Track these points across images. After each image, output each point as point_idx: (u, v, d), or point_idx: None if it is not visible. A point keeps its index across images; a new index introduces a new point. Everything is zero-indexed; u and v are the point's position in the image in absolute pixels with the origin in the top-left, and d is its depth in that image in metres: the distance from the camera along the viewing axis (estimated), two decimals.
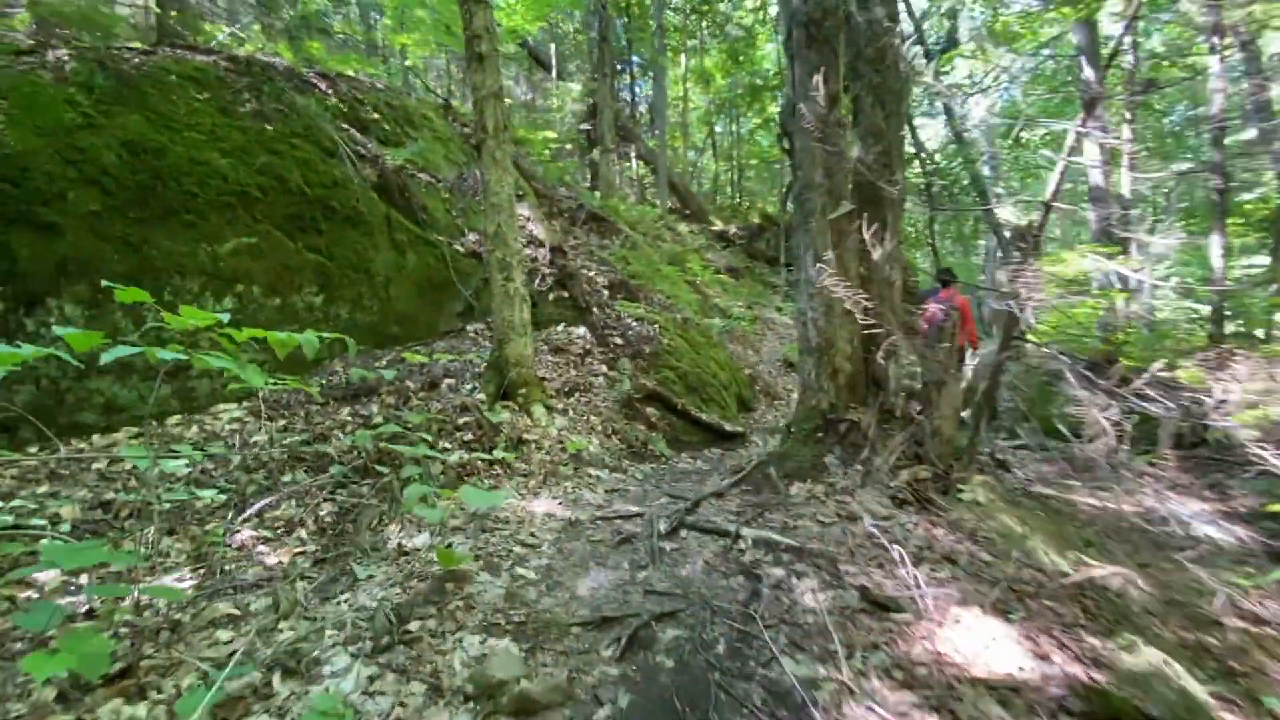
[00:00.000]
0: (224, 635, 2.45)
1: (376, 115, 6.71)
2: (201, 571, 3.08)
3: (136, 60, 4.84)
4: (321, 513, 3.69)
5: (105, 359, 2.03)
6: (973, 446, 3.44)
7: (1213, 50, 7.17)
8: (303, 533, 3.51)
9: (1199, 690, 1.92)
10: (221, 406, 4.43)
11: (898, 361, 4.20)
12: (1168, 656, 1.94)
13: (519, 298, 5.13)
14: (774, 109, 21.25)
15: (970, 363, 6.42)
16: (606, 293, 7.60)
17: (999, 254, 18.11)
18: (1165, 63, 14.33)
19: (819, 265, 3.44)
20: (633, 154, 18.23)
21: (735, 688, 2.16)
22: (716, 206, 20.12)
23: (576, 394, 5.68)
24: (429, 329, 5.96)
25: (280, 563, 3.17)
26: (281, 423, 4.40)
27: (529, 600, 2.72)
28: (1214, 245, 7.28)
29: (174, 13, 6.39)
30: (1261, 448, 2.39)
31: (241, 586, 2.89)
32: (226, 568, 3.10)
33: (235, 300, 4.53)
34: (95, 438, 4.02)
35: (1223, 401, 2.49)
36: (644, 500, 4.10)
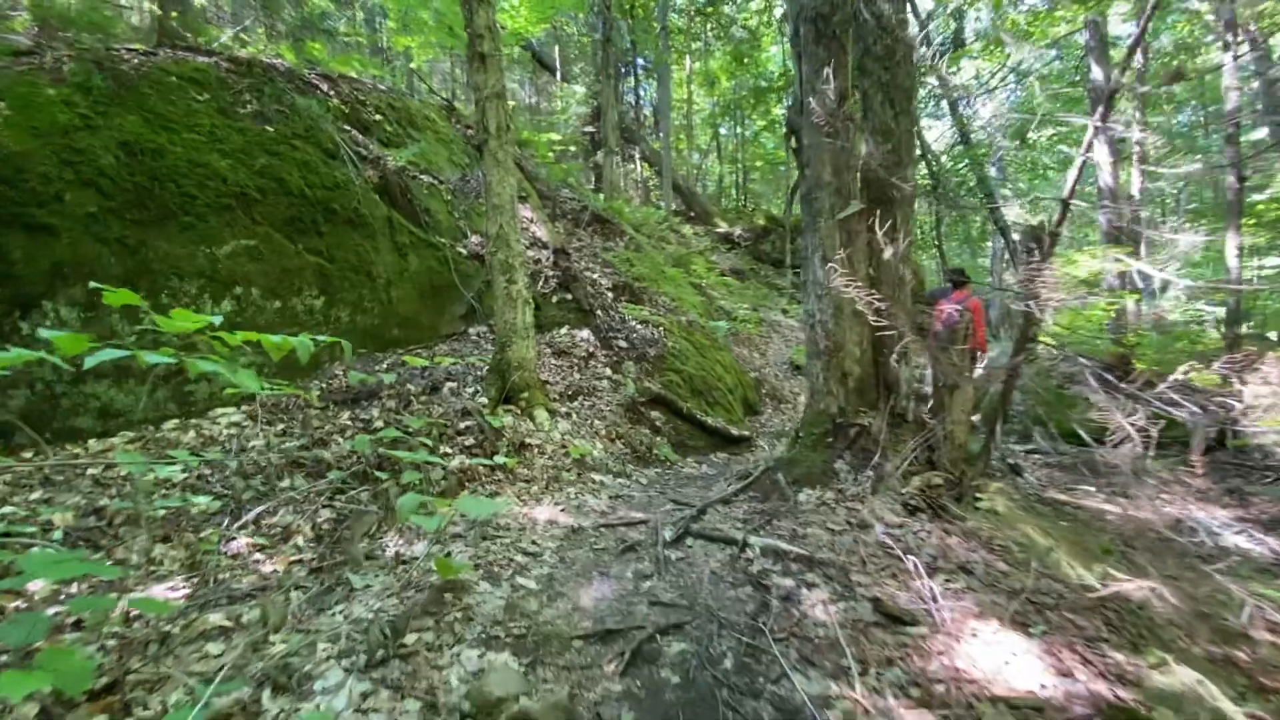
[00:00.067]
0: (214, 648, 2.37)
1: (379, 117, 6.66)
2: (195, 580, 3.00)
3: (136, 61, 4.79)
4: (319, 519, 3.61)
5: (89, 362, 1.96)
6: (986, 452, 3.34)
7: (1226, 47, 7.06)
8: (299, 540, 3.43)
9: (1235, 712, 1.81)
10: (220, 411, 4.37)
11: (907, 364, 4.10)
12: (1201, 676, 1.84)
13: (521, 300, 5.05)
14: (779, 111, 21.17)
15: (977, 368, 6.30)
16: (610, 295, 7.52)
17: (1006, 256, 17.96)
18: (1174, 62, 14.20)
19: (829, 265, 3.35)
20: (637, 156, 18.18)
21: (744, 706, 2.06)
22: (721, 209, 20.04)
23: (580, 398, 5.60)
24: (431, 332, 5.89)
25: (276, 571, 3.09)
26: (280, 427, 4.33)
27: (530, 611, 2.64)
28: (1230, 245, 7.15)
29: (175, 14, 6.35)
30: None
31: (235, 596, 2.80)
32: (220, 577, 3.02)
33: (234, 303, 4.46)
34: (91, 442, 3.96)
35: (1251, 406, 2.39)
36: (648, 506, 4.01)
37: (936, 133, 21.41)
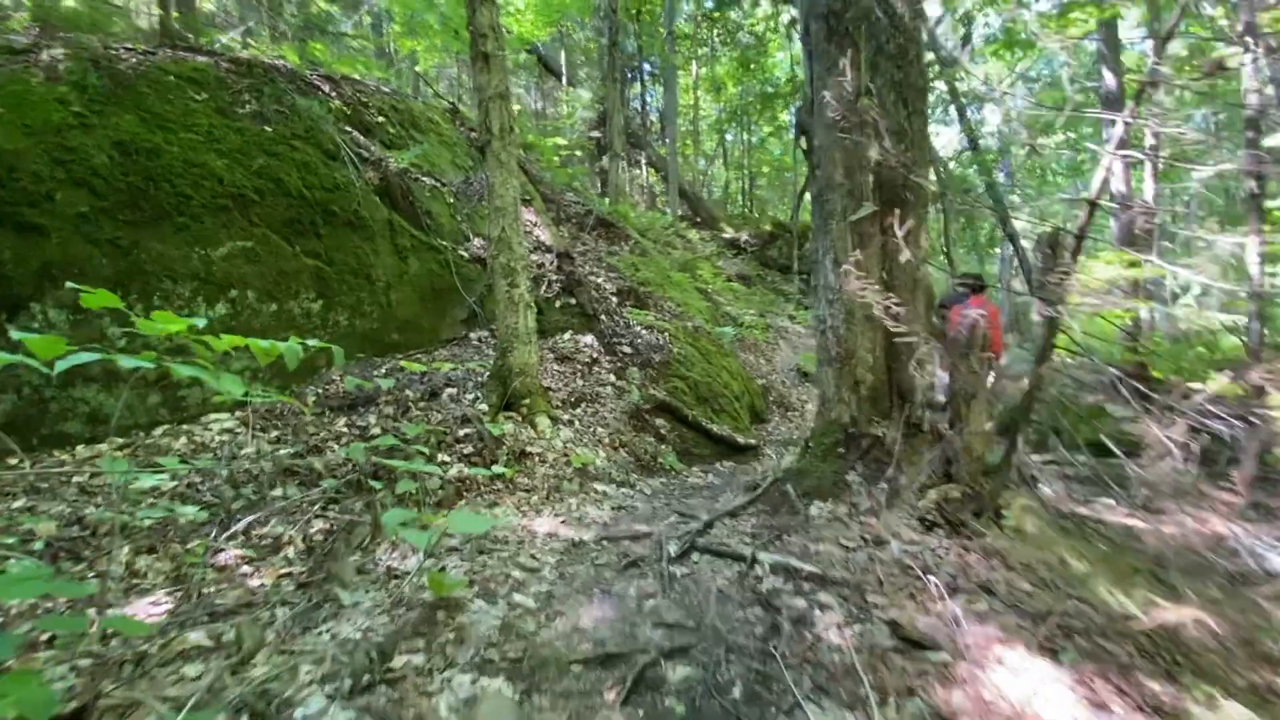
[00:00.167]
0: (192, 670, 2.23)
1: (381, 118, 6.57)
2: (179, 594, 2.88)
3: (134, 60, 4.71)
4: (311, 530, 3.49)
5: (60, 367, 1.84)
6: (1007, 465, 3.18)
7: (1246, 50, 6.90)
8: (290, 552, 3.30)
9: None
10: (213, 416, 4.26)
11: (922, 372, 3.96)
12: (1252, 714, 1.68)
13: (524, 304, 4.93)
14: (785, 117, 21.08)
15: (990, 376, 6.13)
16: (615, 300, 7.40)
17: (1016, 262, 17.78)
18: (1185, 69, 14.03)
19: (844, 269, 3.21)
20: (643, 161, 18.10)
21: None
22: (727, 214, 19.93)
23: (583, 404, 5.47)
24: (431, 336, 5.78)
25: (263, 585, 2.96)
26: (274, 434, 4.22)
27: (527, 632, 2.50)
28: (1251, 250, 6.98)
29: (177, 15, 6.29)
30: None
31: (218, 613, 2.68)
32: (205, 591, 2.90)
33: (229, 306, 4.36)
34: (79, 449, 3.85)
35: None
36: (653, 518, 3.86)
37: (944, 139, 21.30)
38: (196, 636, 2.44)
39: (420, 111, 7.52)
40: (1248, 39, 6.51)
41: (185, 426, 4.11)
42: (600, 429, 5.25)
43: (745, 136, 22.31)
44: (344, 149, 5.49)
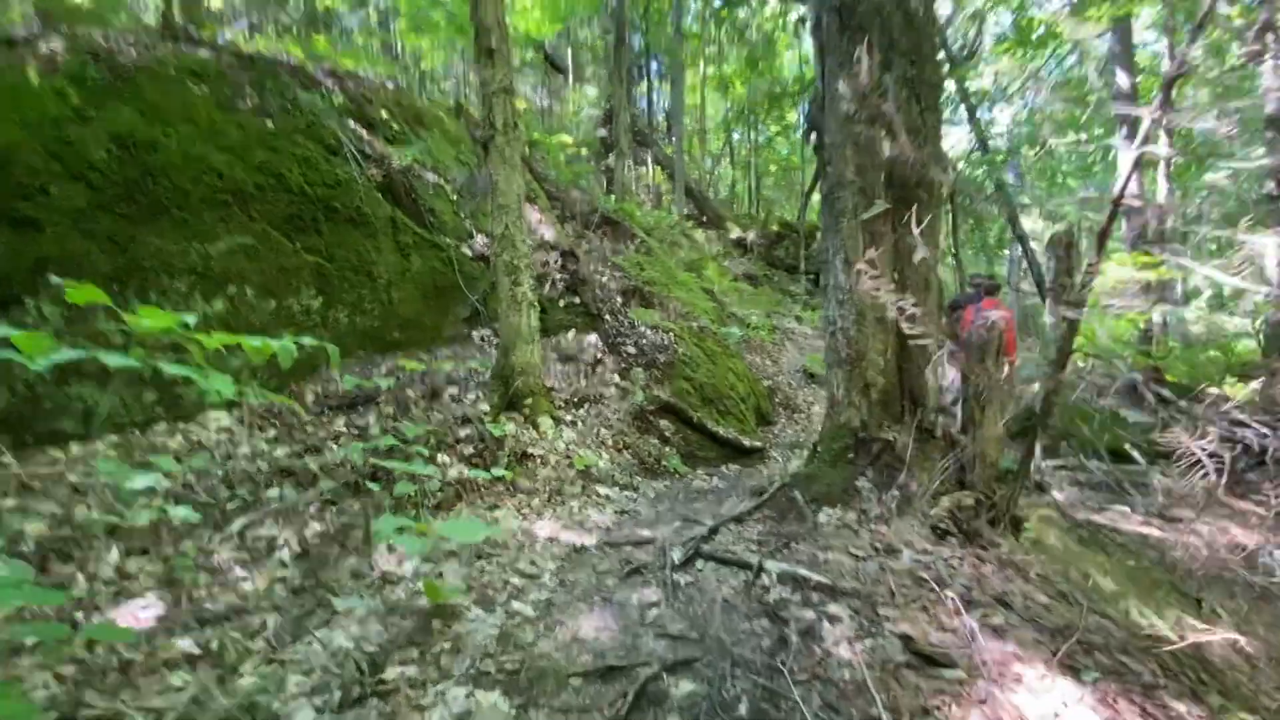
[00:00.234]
0: (178, 679, 2.16)
1: (385, 114, 6.50)
2: (170, 598, 2.80)
3: (134, 54, 4.65)
4: (307, 532, 3.41)
5: (41, 364, 1.77)
6: (1023, 472, 3.08)
7: (1264, 49, 6.75)
8: (284, 554, 3.22)
9: None
10: (210, 415, 4.19)
11: (934, 375, 3.85)
12: None
13: (527, 303, 4.85)
14: (793, 116, 20.94)
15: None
16: (620, 299, 7.31)
17: (1025, 264, 17.59)
18: (1200, 69, 13.84)
19: (857, 269, 3.11)
20: (649, 160, 18.00)
21: None
22: (734, 214, 19.81)
23: (586, 405, 5.38)
24: (433, 335, 5.70)
25: (256, 590, 2.88)
26: (272, 433, 4.14)
27: (525, 642, 2.41)
28: (1270, 251, 6.83)
29: (180, 8, 6.23)
30: None
31: (208, 619, 2.60)
32: (196, 594, 2.82)
33: (227, 303, 4.29)
34: (73, 446, 3.78)
35: None
36: (656, 523, 3.77)
37: (952, 139, 21.10)
38: (184, 644, 2.37)
39: (425, 108, 7.45)
40: (1268, 37, 6.37)
41: (182, 424, 4.05)
42: (603, 430, 5.16)
43: (752, 135, 22.17)
44: (346, 144, 5.42)
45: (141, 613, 2.69)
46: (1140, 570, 2.52)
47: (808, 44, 19.65)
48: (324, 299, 4.86)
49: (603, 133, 15.55)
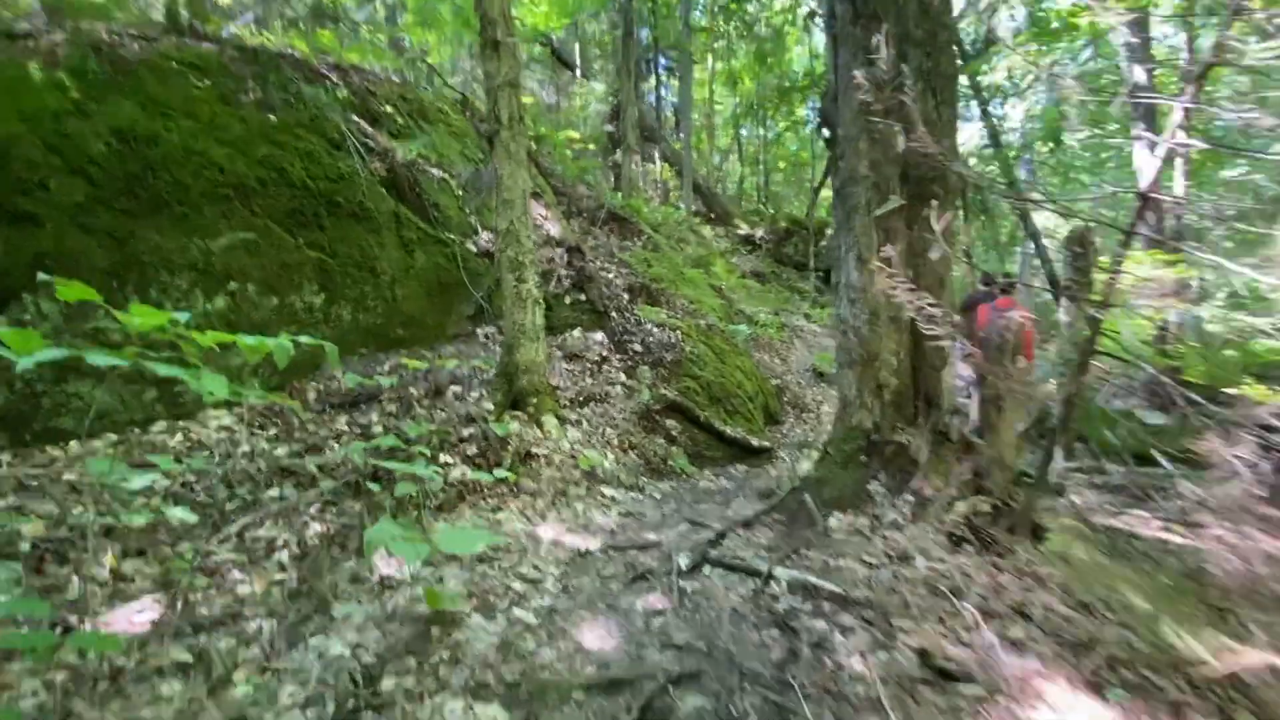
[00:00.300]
0: (169, 688, 2.09)
1: (389, 108, 6.43)
2: (165, 602, 2.75)
3: (136, 47, 4.59)
4: (307, 534, 3.35)
5: (24, 364, 1.71)
6: (1042, 477, 2.97)
7: None
8: (284, 556, 3.16)
9: None
10: (211, 413, 4.14)
11: (949, 375, 3.75)
12: None
13: (531, 300, 4.77)
14: (803, 111, 20.74)
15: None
16: (626, 296, 7.22)
17: (1037, 261, 17.36)
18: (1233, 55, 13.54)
19: (873, 266, 3.01)
20: (657, 155, 17.88)
21: None
22: (742, 210, 19.66)
23: (591, 404, 5.30)
24: (437, 332, 5.63)
25: (253, 593, 2.82)
26: (273, 431, 4.09)
27: (526, 652, 2.33)
28: None
29: (184, 3, 6.17)
30: None
31: (202, 624, 2.54)
32: (192, 598, 2.76)
33: (228, 299, 4.23)
34: (73, 445, 3.74)
35: None
36: (662, 526, 3.69)
37: (964, 135, 20.85)
38: (177, 651, 2.31)
39: (430, 102, 7.37)
40: None
41: (182, 423, 4.00)
42: (609, 430, 5.08)
43: (761, 131, 21.99)
44: (350, 138, 5.35)
45: (136, 616, 2.63)
46: (1176, 589, 2.40)
47: (818, 38, 19.46)
48: (326, 295, 4.80)
49: (610, 128, 15.44)
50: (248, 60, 5.19)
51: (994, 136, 16.92)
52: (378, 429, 4.20)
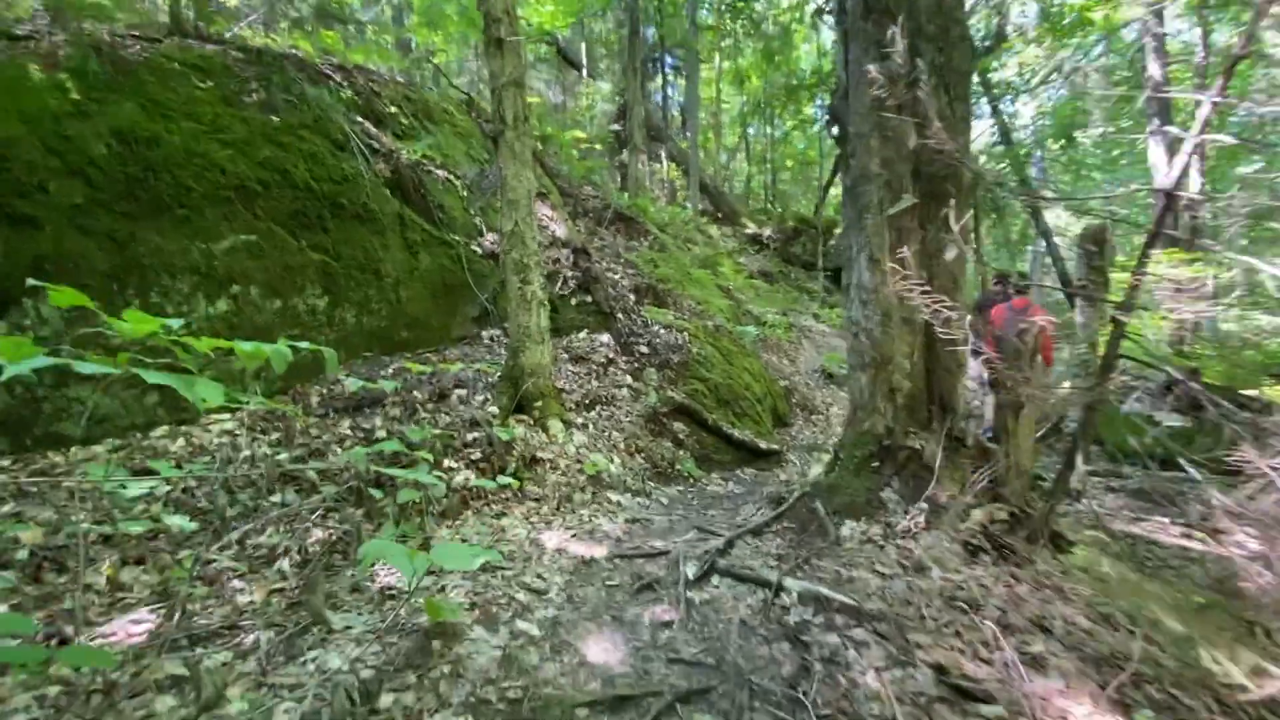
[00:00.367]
0: (163, 703, 2.04)
1: (394, 109, 6.38)
2: (163, 611, 2.70)
3: (138, 48, 4.56)
4: (308, 540, 3.30)
5: (9, 372, 1.66)
6: (1062, 485, 2.88)
7: None
8: (285, 564, 3.11)
9: None
10: (213, 417, 4.09)
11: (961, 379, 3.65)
12: None
13: (536, 302, 4.70)
14: (810, 110, 20.58)
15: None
16: (633, 297, 7.15)
17: (1048, 259, 17.16)
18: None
19: (889, 267, 2.93)
20: (664, 155, 17.79)
21: None
22: (749, 210, 19.54)
23: (598, 407, 5.23)
24: (442, 335, 5.58)
25: (253, 603, 2.77)
26: (275, 436, 4.04)
27: (529, 666, 2.27)
28: None
29: (189, 5, 6.15)
30: None
31: (200, 636, 2.48)
32: (191, 608, 2.71)
33: (230, 302, 4.19)
34: (74, 450, 3.70)
35: None
36: (669, 533, 3.62)
37: (973, 132, 20.61)
38: (172, 665, 2.26)
39: (435, 102, 7.32)
40: None
41: (184, 428, 3.96)
42: (615, 433, 5.01)
43: (768, 130, 21.84)
44: (354, 140, 5.31)
45: (134, 627, 2.59)
46: (1204, 606, 2.30)
47: (825, 36, 19.31)
48: (330, 298, 4.75)
49: (616, 128, 15.37)
50: (251, 61, 5.15)
51: (1005, 134, 16.74)
52: (381, 433, 4.15)
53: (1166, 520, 4.52)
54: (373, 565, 2.38)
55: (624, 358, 5.99)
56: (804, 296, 14.05)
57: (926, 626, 2.42)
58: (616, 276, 7.49)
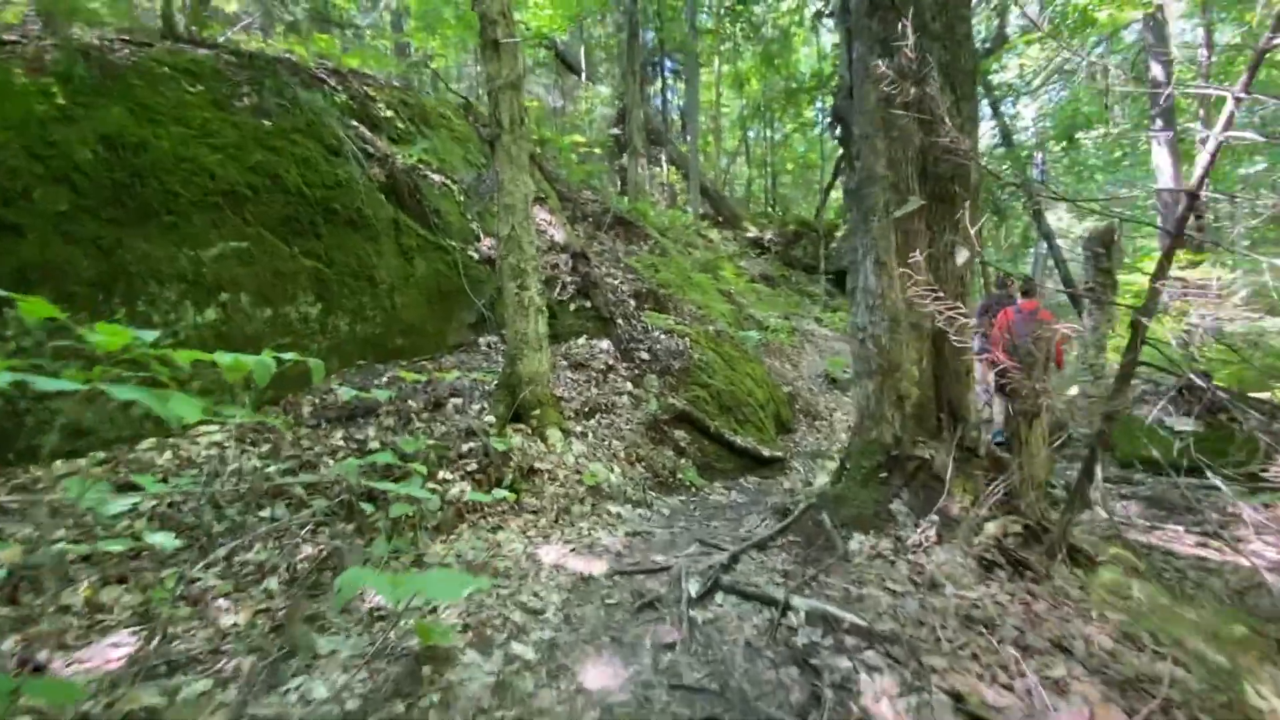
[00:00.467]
0: None
1: (390, 113, 6.30)
2: (145, 634, 2.59)
3: (126, 52, 4.47)
4: (298, 557, 3.19)
5: None
6: (1080, 498, 2.77)
7: None
8: (273, 583, 3.00)
9: None
10: (202, 429, 3.98)
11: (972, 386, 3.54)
12: None
13: (534, 308, 4.60)
14: (810, 113, 20.53)
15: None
16: (633, 302, 7.05)
17: (1050, 262, 17.06)
18: (1241, 56, 13.29)
19: (900, 271, 2.82)
20: (663, 159, 17.72)
21: None
22: (750, 213, 19.46)
23: (597, 415, 5.12)
24: (438, 342, 5.48)
25: (237, 625, 2.65)
26: (265, 448, 3.93)
27: (523, 694, 2.15)
28: None
29: (181, 5, 6.07)
30: None
31: (180, 661, 2.37)
32: (172, 630, 2.60)
33: (219, 310, 4.08)
34: (57, 464, 3.60)
35: None
36: (671, 547, 3.50)
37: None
38: (149, 694, 2.15)
39: (432, 106, 7.24)
40: None
41: (171, 440, 3.85)
42: (615, 442, 4.90)
43: (768, 133, 21.79)
44: (348, 144, 5.21)
45: (112, 651, 2.48)
46: (1246, 635, 2.17)
47: (825, 39, 19.28)
48: (323, 305, 4.65)
49: (616, 132, 15.31)
50: (243, 65, 5.07)
51: (1006, 136, 16.67)
52: (375, 444, 4.04)
53: (1180, 529, 4.40)
54: (349, 599, 2.27)
55: (624, 364, 5.88)
56: (806, 300, 13.95)
57: (941, 649, 2.31)
58: (616, 281, 7.39)
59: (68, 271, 3.59)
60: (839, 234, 16.80)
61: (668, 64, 19.03)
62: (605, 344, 6.05)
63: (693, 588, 2.79)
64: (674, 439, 5.32)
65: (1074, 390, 6.30)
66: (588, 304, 6.38)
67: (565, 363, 5.67)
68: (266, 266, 4.35)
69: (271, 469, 3.71)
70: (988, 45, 14.95)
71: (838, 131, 4.00)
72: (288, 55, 5.93)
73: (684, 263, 10.26)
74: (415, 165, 5.93)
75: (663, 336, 6.44)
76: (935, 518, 2.98)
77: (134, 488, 3.42)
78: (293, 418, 4.21)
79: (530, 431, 4.46)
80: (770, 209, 21.37)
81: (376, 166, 5.43)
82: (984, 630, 2.39)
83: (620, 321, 6.39)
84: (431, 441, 4.01)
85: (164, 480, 3.45)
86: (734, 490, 5.12)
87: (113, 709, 2.05)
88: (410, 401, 4.44)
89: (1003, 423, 4.71)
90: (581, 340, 6.12)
